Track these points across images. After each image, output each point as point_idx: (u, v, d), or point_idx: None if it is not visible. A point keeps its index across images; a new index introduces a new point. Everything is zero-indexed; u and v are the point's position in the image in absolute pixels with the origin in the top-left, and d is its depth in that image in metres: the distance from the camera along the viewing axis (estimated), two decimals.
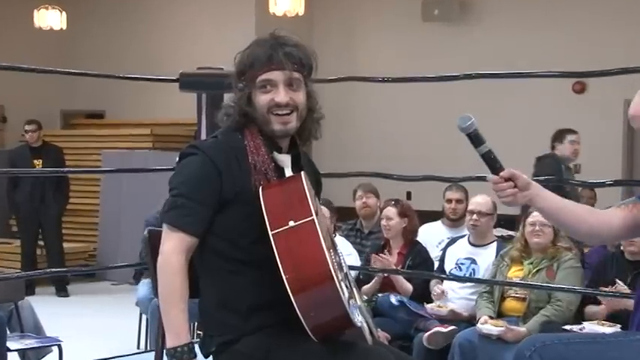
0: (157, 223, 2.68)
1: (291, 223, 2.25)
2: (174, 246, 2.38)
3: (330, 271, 2.21)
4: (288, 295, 2.21)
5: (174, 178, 2.47)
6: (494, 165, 2.37)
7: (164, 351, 2.72)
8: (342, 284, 2.28)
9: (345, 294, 2.25)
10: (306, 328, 2.23)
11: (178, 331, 2.34)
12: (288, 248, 2.23)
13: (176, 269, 2.36)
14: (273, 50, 2.43)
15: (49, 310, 6.30)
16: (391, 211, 5.25)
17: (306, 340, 2.27)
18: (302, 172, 2.41)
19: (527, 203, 2.41)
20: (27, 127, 8.76)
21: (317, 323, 2.23)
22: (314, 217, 2.27)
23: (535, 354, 2.10)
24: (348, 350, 2.33)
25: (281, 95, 2.43)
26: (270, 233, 2.25)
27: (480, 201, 5.09)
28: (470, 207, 5.16)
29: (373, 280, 5.13)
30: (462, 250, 5.16)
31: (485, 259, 5.01)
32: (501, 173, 2.36)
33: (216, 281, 2.46)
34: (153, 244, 2.66)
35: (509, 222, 6.70)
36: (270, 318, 2.39)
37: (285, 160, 2.51)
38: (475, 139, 2.33)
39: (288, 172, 2.49)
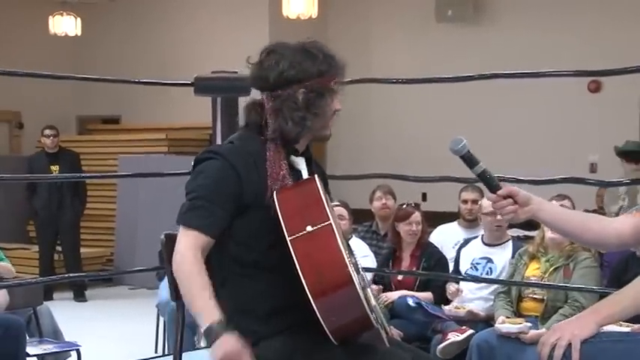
0: None
1: (309, 228, 2.25)
2: (189, 243, 2.38)
3: (350, 274, 2.22)
4: (305, 298, 2.21)
5: (192, 182, 2.47)
6: (491, 184, 2.38)
7: (182, 354, 2.73)
8: (360, 286, 2.29)
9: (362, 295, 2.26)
10: (327, 331, 2.23)
11: (209, 312, 2.30)
12: (306, 253, 2.23)
13: (192, 261, 2.35)
14: (338, 58, 2.53)
15: (67, 315, 6.33)
16: (419, 216, 5.29)
17: (325, 343, 2.27)
18: (315, 175, 2.42)
19: (530, 218, 2.40)
20: (47, 132, 8.80)
21: (337, 326, 2.24)
22: (331, 221, 2.28)
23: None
24: (367, 354, 2.33)
25: (340, 102, 2.53)
26: (287, 239, 2.25)
27: (485, 204, 5.07)
28: (486, 210, 5.11)
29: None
30: (476, 250, 5.15)
31: (502, 258, 5.00)
32: (499, 192, 2.36)
33: (232, 286, 2.46)
34: (170, 247, 2.67)
35: (524, 222, 6.68)
36: (287, 320, 2.39)
37: (300, 162, 2.53)
38: (469, 160, 2.35)
39: (305, 175, 2.52)
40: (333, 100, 2.50)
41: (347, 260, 2.23)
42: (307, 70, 2.46)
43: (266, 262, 2.41)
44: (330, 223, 2.27)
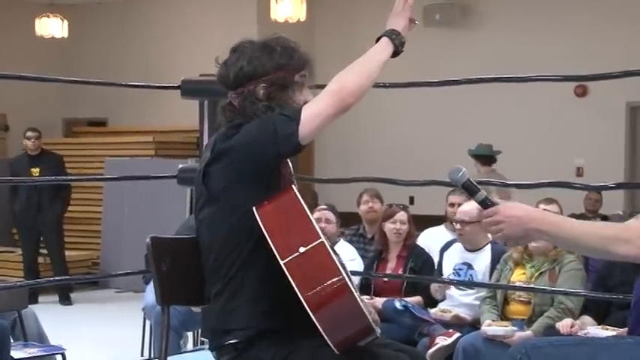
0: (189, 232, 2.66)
1: (302, 250, 2.23)
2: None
3: (350, 289, 2.21)
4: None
5: (251, 131, 2.40)
6: None
7: (167, 357, 2.72)
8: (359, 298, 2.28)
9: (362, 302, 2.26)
10: (331, 345, 2.23)
11: (380, 51, 2.49)
12: (303, 275, 2.22)
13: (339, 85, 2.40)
14: (302, 51, 2.57)
15: (52, 319, 6.29)
16: (405, 215, 5.31)
17: (323, 347, 2.27)
18: (292, 185, 2.39)
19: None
20: (29, 134, 8.76)
21: (341, 339, 2.24)
22: (322, 238, 2.26)
23: (525, 356, 2.11)
24: (367, 358, 2.33)
25: (311, 93, 2.55)
26: (281, 263, 2.23)
27: (464, 209, 5.08)
28: (456, 215, 5.17)
29: None
30: (456, 255, 5.15)
31: (480, 263, 5.01)
32: None
33: (246, 270, 2.42)
34: (155, 251, 2.66)
35: None
36: (288, 317, 2.37)
37: None
38: (469, 189, 2.34)
39: None
40: (300, 92, 2.49)
41: (346, 277, 2.22)
42: (265, 65, 2.48)
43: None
44: (322, 241, 2.25)
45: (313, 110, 2.37)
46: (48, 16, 10.19)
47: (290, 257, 2.23)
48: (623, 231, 2.16)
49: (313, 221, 2.30)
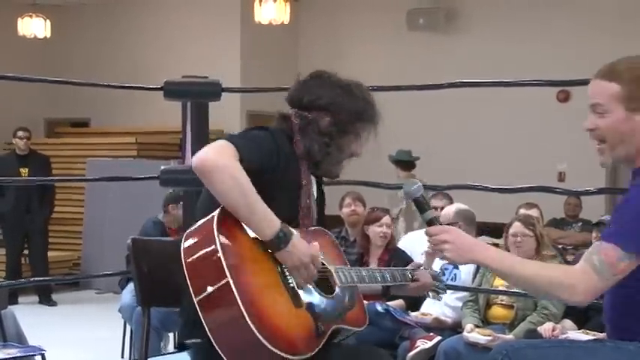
0: (154, 229, 2.66)
1: (209, 289, 2.20)
2: (231, 152, 2.28)
3: (258, 338, 2.16)
4: None
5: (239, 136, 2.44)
6: None
7: (147, 359, 2.71)
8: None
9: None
10: None
11: (270, 218, 2.29)
12: (212, 315, 2.20)
13: (240, 168, 2.26)
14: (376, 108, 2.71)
15: (32, 319, 6.26)
16: (389, 219, 5.35)
17: None
18: (215, 214, 2.29)
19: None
20: (20, 134, 8.68)
21: None
22: (228, 278, 2.19)
23: (506, 358, 2.13)
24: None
25: (361, 149, 2.66)
26: (194, 300, 2.22)
27: (443, 213, 5.19)
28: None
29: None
30: None
31: (467, 264, 5.04)
32: None
33: None
34: (136, 252, 2.66)
35: (494, 230, 6.74)
36: None
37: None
38: (420, 204, 2.41)
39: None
40: (354, 143, 2.60)
41: (251, 323, 2.15)
42: (341, 106, 2.55)
43: None
44: (228, 282, 2.18)
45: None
46: (30, 16, 10.13)
47: (200, 296, 2.21)
48: (566, 276, 2.17)
49: (224, 261, 2.21)
